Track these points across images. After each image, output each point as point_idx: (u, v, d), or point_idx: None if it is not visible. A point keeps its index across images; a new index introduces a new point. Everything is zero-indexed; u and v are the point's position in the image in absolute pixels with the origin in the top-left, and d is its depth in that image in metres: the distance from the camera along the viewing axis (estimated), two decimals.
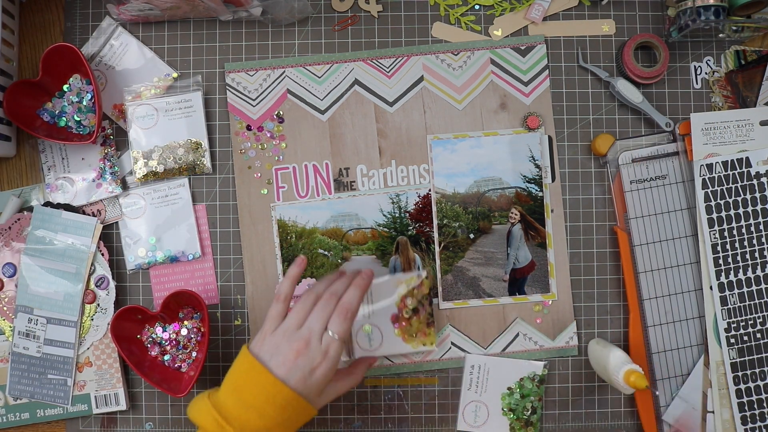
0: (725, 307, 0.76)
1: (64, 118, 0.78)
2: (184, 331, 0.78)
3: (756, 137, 0.78)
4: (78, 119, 0.78)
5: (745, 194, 0.77)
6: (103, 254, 0.79)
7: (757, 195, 0.77)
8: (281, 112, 0.81)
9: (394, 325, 0.77)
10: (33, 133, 0.76)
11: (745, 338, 0.76)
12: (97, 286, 0.79)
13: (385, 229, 0.80)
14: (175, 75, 0.81)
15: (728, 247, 0.77)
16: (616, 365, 0.69)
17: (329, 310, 0.64)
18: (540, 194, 0.80)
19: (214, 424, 0.59)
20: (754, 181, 0.77)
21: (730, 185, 0.77)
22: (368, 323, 0.77)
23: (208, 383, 0.80)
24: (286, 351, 0.61)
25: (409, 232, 0.80)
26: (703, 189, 0.77)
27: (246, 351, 0.63)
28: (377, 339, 0.77)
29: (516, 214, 0.80)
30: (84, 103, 0.78)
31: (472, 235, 0.80)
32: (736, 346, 0.76)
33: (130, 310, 0.76)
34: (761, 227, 0.77)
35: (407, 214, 0.80)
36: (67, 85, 0.79)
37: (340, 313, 0.64)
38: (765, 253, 0.76)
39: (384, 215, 0.80)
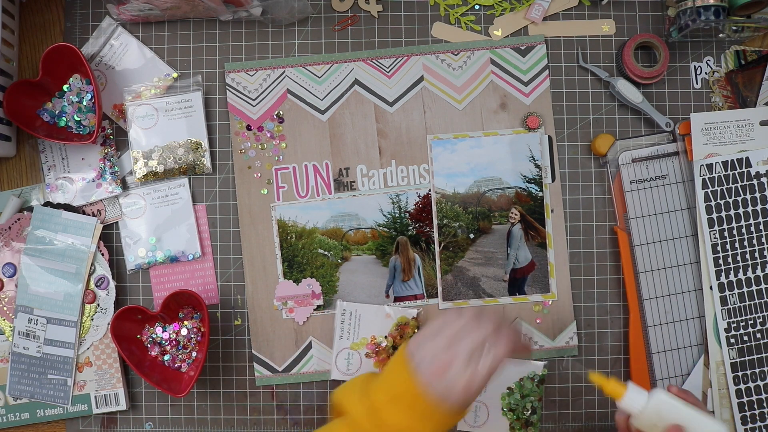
0: (725, 307, 0.76)
1: (64, 118, 0.78)
2: (184, 331, 0.78)
3: (756, 137, 0.78)
4: (78, 119, 0.78)
5: (745, 194, 0.77)
6: (103, 254, 0.79)
7: (757, 195, 0.77)
8: (281, 112, 0.81)
9: (373, 357, 0.78)
10: (33, 133, 0.76)
11: (745, 338, 0.76)
12: (97, 286, 0.79)
13: (385, 229, 0.80)
14: (175, 75, 0.81)
15: (728, 247, 0.77)
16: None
17: (484, 335, 0.60)
18: (540, 194, 0.80)
19: (367, 423, 0.58)
20: (754, 181, 0.77)
21: (730, 185, 0.77)
22: (349, 348, 0.78)
23: (208, 383, 0.80)
24: (439, 361, 0.58)
25: (409, 232, 0.80)
26: (703, 189, 0.77)
27: (407, 357, 0.60)
28: (355, 365, 0.78)
29: (516, 214, 0.80)
30: (84, 103, 0.78)
31: (472, 235, 0.80)
32: (736, 346, 0.76)
33: (130, 310, 0.76)
34: (761, 227, 0.77)
35: (407, 214, 0.80)
36: (67, 85, 0.79)
37: (509, 341, 0.60)
38: (765, 253, 0.76)
39: (384, 215, 0.80)
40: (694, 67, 0.82)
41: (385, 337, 0.79)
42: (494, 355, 0.58)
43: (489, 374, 0.58)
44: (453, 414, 0.59)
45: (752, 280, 0.76)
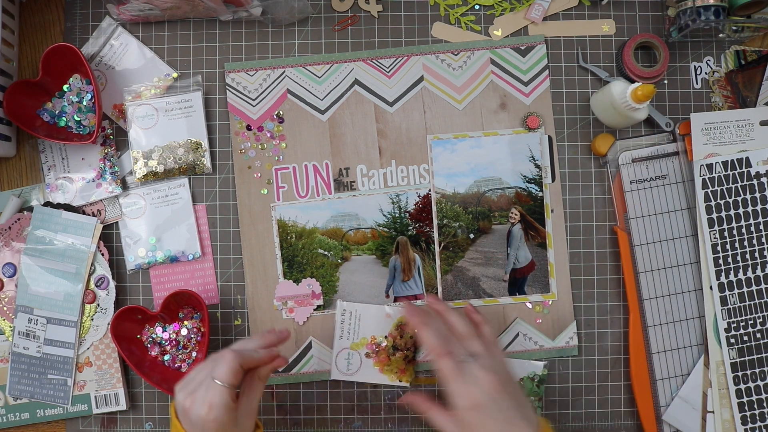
0: (725, 307, 0.76)
1: (64, 118, 0.78)
2: (184, 331, 0.78)
3: (756, 137, 0.78)
4: (78, 119, 0.78)
5: (745, 194, 0.77)
6: (103, 254, 0.79)
7: (757, 195, 0.77)
8: (281, 112, 0.81)
9: (372, 357, 0.78)
10: (33, 133, 0.76)
11: (745, 338, 0.76)
12: (97, 286, 0.79)
13: (385, 229, 0.80)
14: (175, 75, 0.81)
15: (728, 247, 0.77)
16: (622, 90, 0.72)
17: (212, 367, 0.63)
18: (540, 194, 0.80)
19: None
20: (754, 181, 0.77)
21: (730, 185, 0.77)
22: (349, 348, 0.78)
23: None
24: (181, 403, 0.62)
25: (409, 232, 0.80)
26: (703, 189, 0.77)
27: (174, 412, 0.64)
28: (355, 365, 0.78)
29: (516, 214, 0.80)
30: (84, 103, 0.78)
31: (472, 235, 0.80)
32: (736, 346, 0.76)
33: (130, 310, 0.76)
34: (761, 227, 0.77)
35: (407, 214, 0.80)
36: (67, 85, 0.79)
37: (225, 361, 0.62)
38: (765, 253, 0.76)
39: (384, 215, 0.80)
40: (694, 67, 0.82)
41: (385, 337, 0.79)
42: (215, 377, 0.61)
43: (220, 399, 0.60)
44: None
45: (752, 280, 0.76)
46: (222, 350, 0.64)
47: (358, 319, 0.79)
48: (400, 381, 0.78)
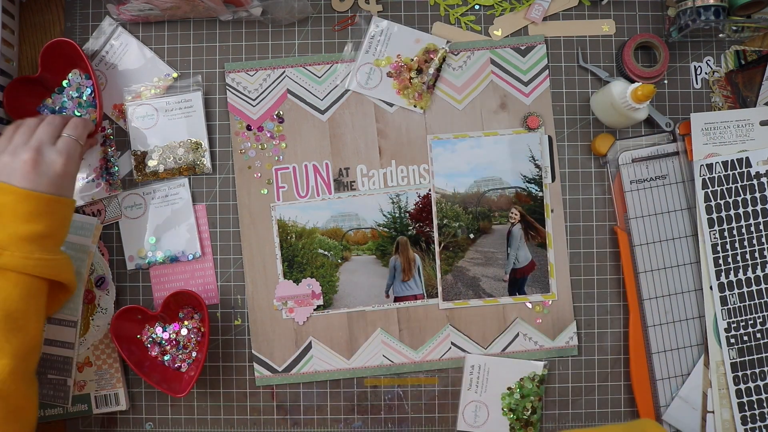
0: (725, 307, 0.76)
1: (64, 114, 0.78)
2: (184, 331, 0.78)
3: (756, 137, 0.78)
4: (78, 114, 0.78)
5: (745, 194, 0.77)
6: (103, 254, 0.79)
7: (757, 195, 0.77)
8: (281, 112, 0.81)
9: (394, 77, 0.79)
10: None
11: (745, 338, 0.76)
12: (97, 286, 0.79)
13: (385, 229, 0.80)
14: (175, 75, 0.81)
15: (728, 247, 0.77)
16: (622, 90, 0.72)
17: (56, 125, 0.68)
18: (540, 194, 0.80)
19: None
20: (754, 181, 0.77)
21: (730, 185, 0.77)
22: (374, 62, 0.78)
23: (208, 383, 0.80)
24: (20, 165, 0.64)
25: (409, 232, 0.80)
26: (703, 189, 0.77)
27: None
28: (375, 80, 0.78)
29: (516, 214, 0.80)
30: (84, 98, 0.78)
31: (472, 235, 0.80)
32: (736, 346, 0.76)
33: (130, 310, 0.76)
34: (761, 227, 0.77)
35: (407, 214, 0.80)
36: (66, 81, 0.79)
37: (75, 122, 0.70)
38: (765, 253, 0.76)
39: (384, 215, 0.80)
40: (694, 67, 0.82)
41: (412, 59, 0.79)
42: (73, 132, 0.68)
43: (77, 146, 0.68)
44: (58, 201, 0.65)
45: (752, 280, 0.76)
46: (51, 118, 0.69)
47: (387, 38, 0.79)
48: (415, 106, 0.79)
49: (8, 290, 0.61)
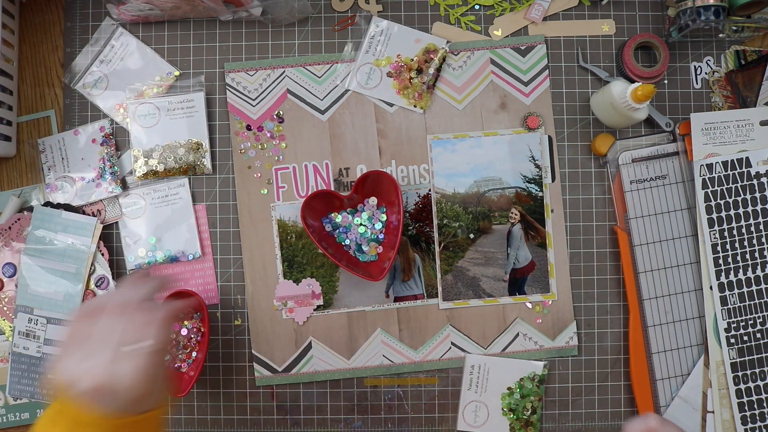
0: (725, 307, 0.76)
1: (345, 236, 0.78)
2: (184, 331, 0.78)
3: (756, 137, 0.78)
4: (359, 244, 0.78)
5: (745, 194, 0.77)
6: (103, 254, 0.79)
7: (757, 195, 0.77)
8: (281, 112, 0.81)
9: (394, 77, 0.79)
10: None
11: (745, 338, 0.76)
12: (97, 286, 0.79)
13: None
14: (177, 73, 0.81)
15: (728, 247, 0.77)
16: (622, 90, 0.72)
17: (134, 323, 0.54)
18: (540, 194, 0.80)
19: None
20: (754, 181, 0.77)
21: (730, 185, 0.77)
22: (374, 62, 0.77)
23: (208, 383, 0.80)
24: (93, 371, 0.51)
25: (409, 232, 0.80)
26: (703, 189, 0.77)
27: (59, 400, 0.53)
28: (375, 80, 0.77)
29: (516, 214, 0.80)
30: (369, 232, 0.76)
31: (472, 235, 0.80)
32: (736, 346, 0.76)
33: None
34: (761, 227, 0.77)
35: (407, 214, 0.80)
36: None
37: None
38: (765, 253, 0.76)
39: None
40: (694, 67, 0.82)
41: (412, 59, 0.79)
42: (148, 340, 0.53)
43: (146, 361, 0.52)
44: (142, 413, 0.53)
45: (752, 280, 0.76)
46: (129, 285, 0.55)
47: (388, 38, 0.77)
48: (415, 106, 0.79)
49: None
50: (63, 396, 0.51)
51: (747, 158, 0.77)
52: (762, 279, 0.76)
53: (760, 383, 0.76)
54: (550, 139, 0.81)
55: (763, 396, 0.76)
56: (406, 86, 0.80)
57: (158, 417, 0.54)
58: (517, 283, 0.80)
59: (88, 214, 0.80)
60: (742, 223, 0.77)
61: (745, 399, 0.76)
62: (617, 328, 0.80)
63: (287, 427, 0.80)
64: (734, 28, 0.78)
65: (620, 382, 0.80)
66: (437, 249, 0.80)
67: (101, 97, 0.81)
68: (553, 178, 0.81)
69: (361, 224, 0.78)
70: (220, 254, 0.81)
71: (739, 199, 0.77)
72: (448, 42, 0.81)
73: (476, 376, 0.79)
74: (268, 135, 0.81)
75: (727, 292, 0.76)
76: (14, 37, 0.81)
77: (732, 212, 0.77)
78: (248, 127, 0.81)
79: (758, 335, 0.76)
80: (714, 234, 0.77)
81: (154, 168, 0.79)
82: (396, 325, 0.80)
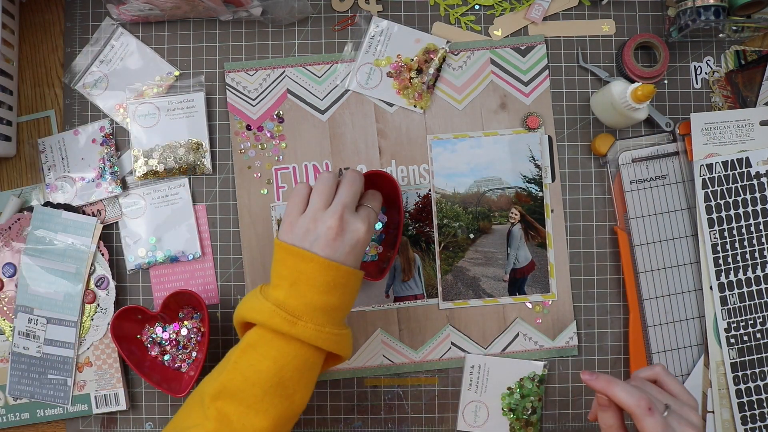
0: (725, 307, 0.76)
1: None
2: (184, 331, 0.78)
3: (756, 137, 0.78)
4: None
5: (745, 194, 0.77)
6: (103, 254, 0.79)
7: (757, 195, 0.77)
8: (281, 112, 0.81)
9: (394, 77, 0.79)
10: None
11: (745, 338, 0.76)
12: (97, 286, 0.79)
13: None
14: (177, 73, 0.81)
15: (728, 247, 0.77)
16: (622, 90, 0.72)
17: (356, 187, 0.64)
18: (540, 194, 0.80)
19: (281, 321, 0.59)
20: (754, 181, 0.77)
21: (730, 185, 0.77)
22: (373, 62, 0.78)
23: None
24: (323, 232, 0.61)
25: (409, 232, 0.80)
26: (703, 189, 0.77)
27: (282, 243, 0.62)
28: (375, 80, 0.78)
29: (516, 214, 0.80)
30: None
31: (472, 235, 0.80)
32: (736, 346, 0.76)
33: (130, 310, 0.76)
34: (761, 227, 0.77)
35: (407, 214, 0.80)
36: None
37: (374, 193, 0.68)
38: (765, 253, 0.76)
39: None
40: (694, 67, 0.82)
41: (412, 59, 0.79)
42: (373, 203, 0.66)
43: (375, 217, 0.65)
44: (353, 273, 0.62)
45: (752, 280, 0.76)
46: (351, 176, 0.65)
47: (387, 38, 0.78)
48: (415, 106, 0.79)
49: (289, 358, 0.60)
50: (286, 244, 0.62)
51: (747, 158, 0.77)
52: (762, 279, 0.76)
53: (760, 383, 0.76)
54: (550, 139, 0.81)
55: (763, 396, 0.76)
56: (406, 86, 0.80)
57: (360, 279, 0.64)
58: (517, 283, 0.80)
59: (88, 214, 0.80)
60: (742, 223, 0.77)
61: (745, 399, 0.76)
62: (617, 328, 0.80)
63: None
64: (734, 28, 0.78)
65: None
66: (437, 249, 0.80)
67: (101, 97, 0.81)
68: (553, 178, 0.81)
69: None
70: (220, 254, 0.81)
71: (739, 199, 0.77)
72: (448, 42, 0.81)
73: (476, 376, 0.79)
74: (268, 135, 0.81)
75: (727, 292, 0.76)
76: (14, 37, 0.81)
77: (732, 212, 0.77)
78: (248, 127, 0.81)
79: (758, 335, 0.76)
80: (714, 234, 0.77)
81: (154, 168, 0.79)
82: (396, 325, 0.80)
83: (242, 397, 0.59)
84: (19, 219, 0.79)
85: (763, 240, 0.76)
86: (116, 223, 0.80)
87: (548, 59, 0.82)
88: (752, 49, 0.82)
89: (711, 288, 0.77)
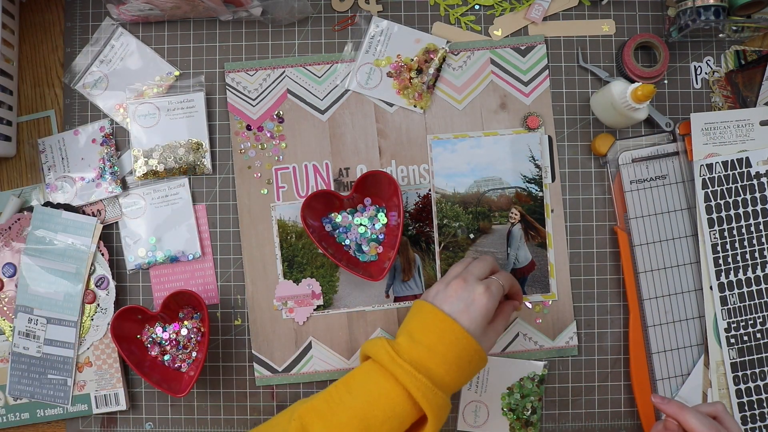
0: (725, 307, 0.76)
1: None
2: (184, 331, 0.78)
3: (756, 137, 0.78)
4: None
5: (745, 194, 0.77)
6: (103, 254, 0.79)
7: (757, 195, 0.77)
8: (281, 112, 0.81)
9: (394, 77, 0.79)
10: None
11: (745, 338, 0.76)
12: (97, 286, 0.79)
13: None
14: (177, 73, 0.81)
15: (728, 247, 0.77)
16: (622, 90, 0.72)
17: (489, 266, 0.69)
18: (540, 194, 0.80)
19: (384, 354, 0.62)
20: (754, 181, 0.77)
21: (730, 185, 0.77)
22: (373, 62, 0.78)
23: (208, 383, 0.80)
24: (448, 291, 0.65)
25: (409, 232, 0.80)
26: (703, 189, 0.77)
27: (417, 300, 0.67)
28: (375, 80, 0.78)
29: (516, 214, 0.80)
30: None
31: (472, 235, 0.80)
32: (736, 346, 0.76)
33: (130, 310, 0.76)
34: (761, 227, 0.77)
35: (407, 214, 0.80)
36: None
37: (507, 276, 0.70)
38: (765, 253, 0.76)
39: None
40: (694, 67, 0.82)
41: (412, 59, 0.79)
42: (501, 279, 0.67)
43: (499, 295, 0.66)
44: (475, 346, 0.63)
45: (752, 280, 0.76)
46: (485, 259, 0.69)
47: (388, 38, 0.79)
48: (415, 106, 0.79)
49: (379, 395, 0.61)
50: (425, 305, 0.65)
51: (747, 158, 0.77)
52: (762, 279, 0.76)
53: (760, 383, 0.76)
54: (550, 139, 0.81)
55: (763, 396, 0.76)
56: (406, 86, 0.80)
57: (484, 356, 0.64)
58: None
59: (88, 214, 0.80)
60: (742, 223, 0.77)
61: (745, 399, 0.76)
62: (617, 328, 0.80)
63: None
64: (734, 28, 0.78)
65: (620, 382, 0.80)
66: (437, 249, 0.80)
67: (101, 97, 0.81)
68: (553, 178, 0.81)
69: (361, 224, 0.78)
70: (220, 254, 0.81)
71: (739, 199, 0.77)
72: (448, 42, 0.81)
73: (476, 376, 0.79)
74: (268, 135, 0.81)
75: (727, 292, 0.76)
76: (14, 37, 0.81)
77: (732, 212, 0.77)
78: (248, 127, 0.81)
79: (758, 335, 0.76)
80: (714, 234, 0.77)
81: (154, 168, 0.80)
82: (396, 325, 0.80)
83: (328, 418, 0.61)
84: (19, 219, 0.79)
85: (763, 240, 0.76)
86: (116, 223, 0.80)
87: (548, 59, 0.82)
88: (752, 49, 0.82)
89: (711, 288, 0.77)
